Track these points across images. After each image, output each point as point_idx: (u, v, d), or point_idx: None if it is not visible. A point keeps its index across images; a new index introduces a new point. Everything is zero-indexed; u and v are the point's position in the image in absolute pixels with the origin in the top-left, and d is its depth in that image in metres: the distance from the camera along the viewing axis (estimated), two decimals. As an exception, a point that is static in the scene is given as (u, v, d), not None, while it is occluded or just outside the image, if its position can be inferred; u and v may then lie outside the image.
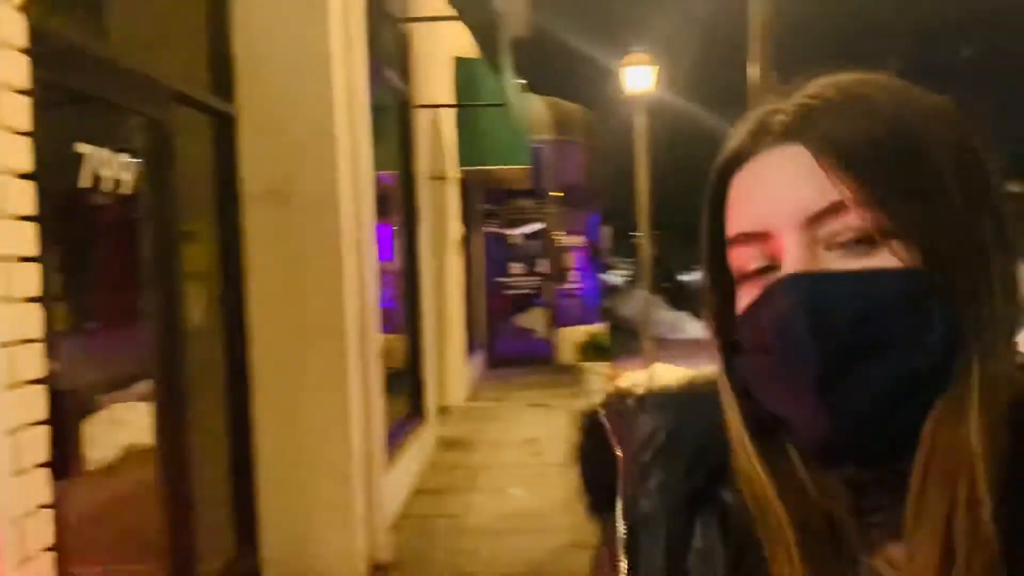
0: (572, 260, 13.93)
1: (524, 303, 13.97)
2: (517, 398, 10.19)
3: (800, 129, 0.58)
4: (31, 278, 1.69)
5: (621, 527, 0.67)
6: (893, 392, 0.55)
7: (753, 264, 0.60)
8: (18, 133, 1.65)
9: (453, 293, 9.60)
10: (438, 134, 8.78)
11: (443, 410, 8.66)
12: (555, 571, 4.48)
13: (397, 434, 5.78)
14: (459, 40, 9.04)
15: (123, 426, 3.11)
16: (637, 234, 12.26)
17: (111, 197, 2.98)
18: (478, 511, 5.59)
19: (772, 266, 0.59)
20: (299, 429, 4.15)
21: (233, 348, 4.07)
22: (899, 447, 0.56)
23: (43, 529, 1.62)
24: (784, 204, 0.58)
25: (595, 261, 15.13)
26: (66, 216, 2.47)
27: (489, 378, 11.90)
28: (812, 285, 0.55)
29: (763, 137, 0.60)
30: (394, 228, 6.56)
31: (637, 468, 0.68)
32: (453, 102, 9.05)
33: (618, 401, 0.74)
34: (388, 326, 6.39)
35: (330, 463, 4.19)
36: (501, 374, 12.15)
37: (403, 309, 6.78)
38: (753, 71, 4.55)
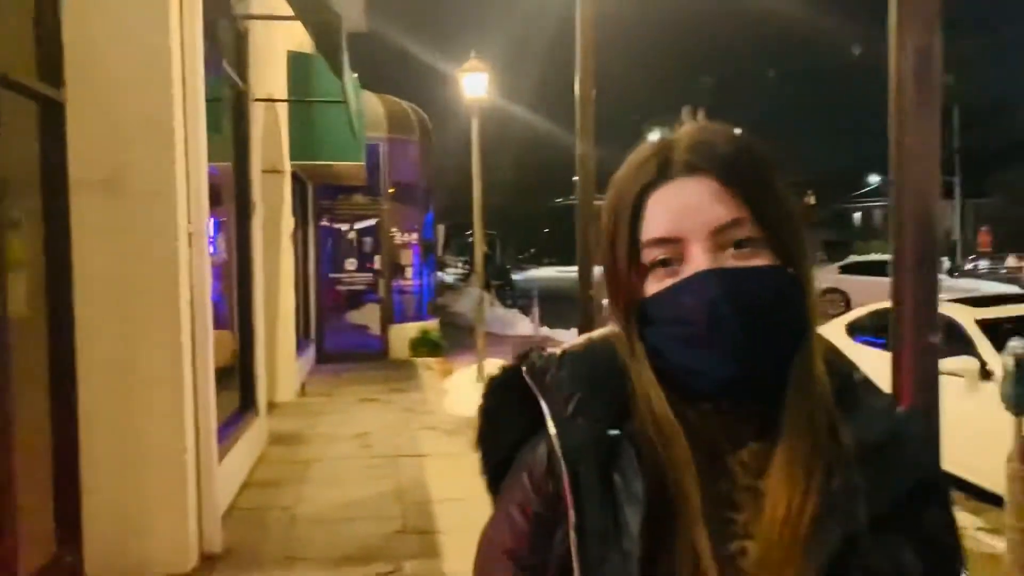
0: (406, 257, 14.08)
1: (357, 299, 13.97)
2: (348, 393, 10.24)
3: (706, 165, 0.83)
4: None
5: (563, 465, 0.82)
6: (775, 346, 0.82)
7: (663, 256, 0.83)
8: None
9: (285, 288, 9.53)
10: (275, 128, 8.71)
11: (274, 405, 8.60)
12: (387, 555, 4.67)
13: (228, 428, 5.76)
14: (296, 35, 9.00)
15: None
16: (470, 233, 12.58)
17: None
18: (310, 501, 5.68)
19: (675, 260, 0.83)
20: (130, 422, 4.11)
21: (58, 340, 3.98)
22: (772, 386, 0.83)
23: None
24: (698, 217, 0.82)
25: (429, 258, 15.36)
26: None
27: (320, 373, 11.85)
28: (726, 276, 0.80)
29: (671, 168, 0.84)
30: (225, 221, 6.50)
31: (566, 414, 0.84)
32: (288, 97, 9.00)
33: (537, 359, 0.90)
34: (220, 320, 6.33)
35: (162, 456, 4.19)
36: (332, 369, 12.13)
37: (234, 304, 6.72)
38: (580, 85, 4.91)
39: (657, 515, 0.79)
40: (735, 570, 0.80)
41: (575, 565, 0.80)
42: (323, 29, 4.87)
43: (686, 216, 0.82)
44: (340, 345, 13.52)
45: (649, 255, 0.84)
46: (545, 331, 17.15)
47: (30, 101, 3.87)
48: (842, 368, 0.88)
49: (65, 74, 4.00)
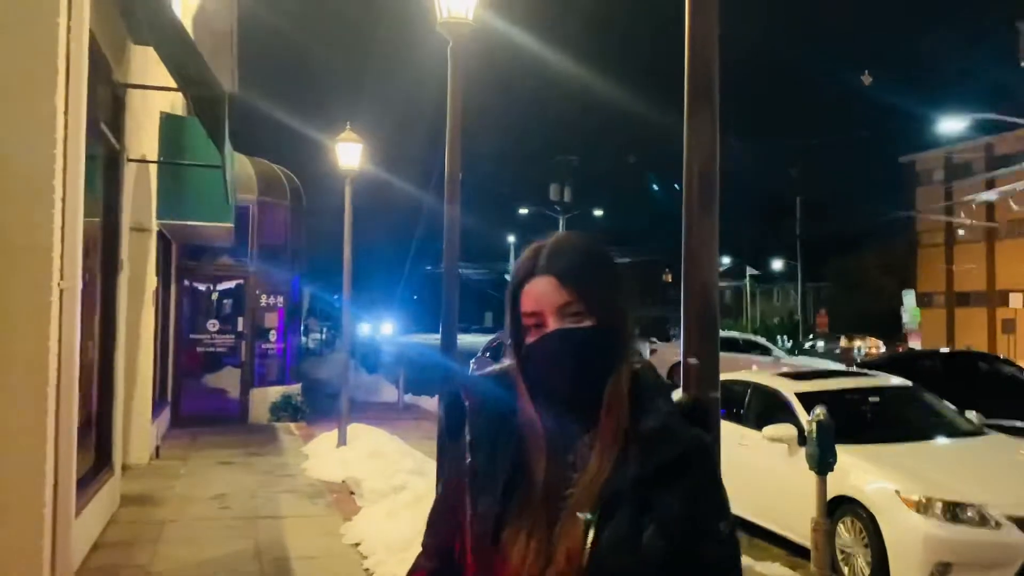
0: (271, 320, 14.01)
1: (217, 361, 13.74)
2: (206, 456, 10.08)
3: (551, 267, 1.36)
4: None
5: (468, 438, 1.41)
6: (593, 375, 1.34)
7: (534, 322, 1.36)
8: None
9: (144, 347, 9.39)
10: (145, 186, 8.72)
11: (127, 467, 8.39)
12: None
13: (82, 487, 5.69)
14: (169, 96, 9.12)
15: None
16: (337, 297, 12.71)
17: None
18: (165, 560, 5.66)
19: (540, 324, 1.35)
20: (-13, 475, 4.09)
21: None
22: (589, 404, 1.34)
23: None
24: (547, 300, 1.35)
25: (294, 322, 15.31)
26: None
27: (176, 436, 11.55)
28: (563, 333, 1.33)
29: (533, 271, 1.37)
30: (93, 278, 6.49)
31: (478, 410, 1.41)
32: (158, 157, 9.05)
33: (469, 379, 1.52)
34: (81, 377, 6.27)
35: (19, 510, 4.17)
36: (188, 432, 11.85)
37: (95, 361, 6.66)
38: (448, 163, 5.33)
39: (518, 473, 1.35)
40: (565, 506, 1.31)
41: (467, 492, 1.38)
42: (206, 103, 5.12)
43: (541, 299, 1.36)
44: (197, 408, 13.21)
45: (526, 320, 1.38)
46: (409, 398, 17.32)
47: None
48: (651, 383, 1.40)
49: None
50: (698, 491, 1.33)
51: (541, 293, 1.35)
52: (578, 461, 1.34)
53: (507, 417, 1.38)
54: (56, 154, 4.30)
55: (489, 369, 1.47)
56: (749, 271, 50.03)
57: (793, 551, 6.61)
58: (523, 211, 52.65)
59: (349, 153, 10.58)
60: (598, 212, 53.69)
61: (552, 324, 1.33)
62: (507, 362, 1.45)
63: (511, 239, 58.72)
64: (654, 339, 22.51)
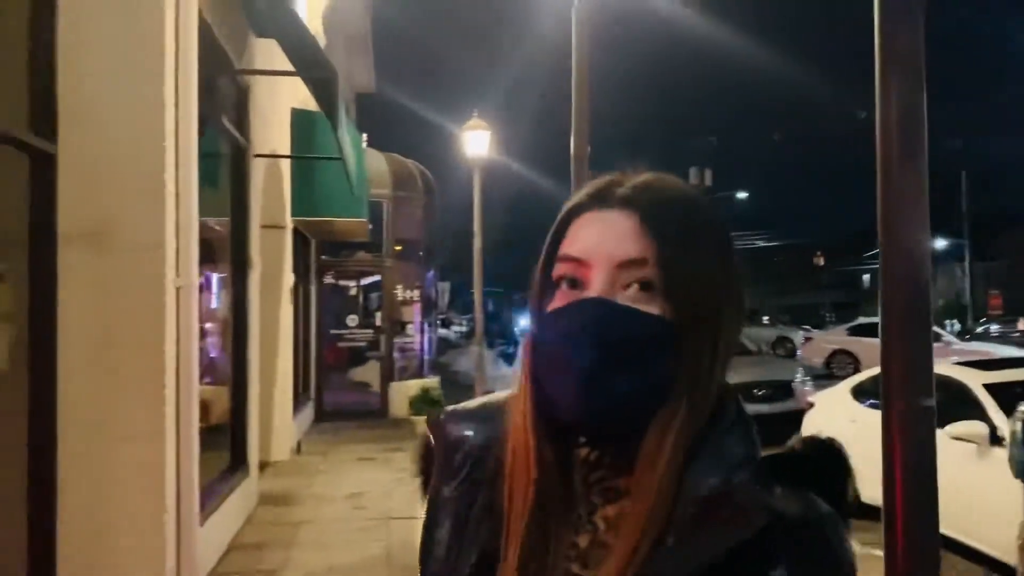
0: (408, 314, 14.01)
1: (358, 356, 13.87)
2: (345, 451, 10.07)
3: (635, 202, 0.82)
4: None
5: (422, 507, 0.91)
6: (627, 397, 0.78)
7: (569, 274, 0.83)
8: None
9: (283, 345, 9.45)
10: (277, 183, 8.73)
11: (267, 464, 8.44)
12: (372, 624, 4.50)
13: (215, 488, 5.62)
14: (300, 91, 9.09)
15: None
16: (473, 291, 12.55)
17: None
18: (296, 566, 5.51)
19: (578, 282, 0.82)
20: (109, 481, 3.99)
21: (39, 396, 3.89)
22: (625, 436, 0.80)
23: None
24: (607, 247, 0.81)
25: (431, 316, 15.29)
26: None
27: (319, 430, 11.69)
28: (604, 308, 0.79)
29: (604, 200, 0.84)
30: (223, 276, 6.46)
31: (445, 465, 0.91)
32: (290, 152, 9.05)
33: (436, 415, 0.96)
34: (211, 377, 6.24)
35: (141, 516, 4.05)
36: (330, 427, 11.97)
37: (229, 359, 6.63)
38: (575, 145, 4.91)
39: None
40: None
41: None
42: (321, 85, 4.90)
43: (599, 243, 0.82)
44: (339, 402, 13.37)
45: (558, 269, 0.84)
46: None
47: (22, 154, 3.85)
48: (732, 416, 0.84)
49: (58, 127, 3.99)
50: None
51: (601, 233, 0.82)
52: (590, 549, 0.82)
53: (490, 464, 0.88)
54: (167, 147, 4.14)
55: (474, 403, 0.97)
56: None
57: (971, 557, 5.84)
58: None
59: (476, 141, 10.28)
60: (742, 195, 51.51)
61: (597, 287, 0.80)
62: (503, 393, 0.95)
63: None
64: (807, 327, 21.21)
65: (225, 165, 6.38)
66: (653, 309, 0.79)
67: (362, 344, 13.90)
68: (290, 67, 5.99)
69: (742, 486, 0.76)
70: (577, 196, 0.88)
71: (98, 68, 4.04)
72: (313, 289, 12.98)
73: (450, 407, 0.96)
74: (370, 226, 11.54)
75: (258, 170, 7.19)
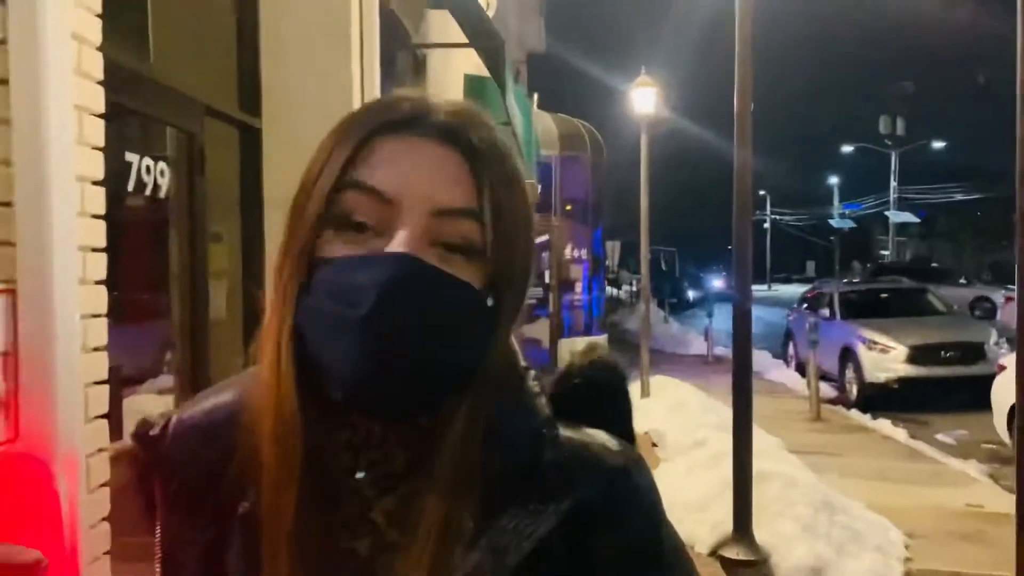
0: (576, 272, 14.28)
1: (530, 313, 14.31)
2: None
3: (458, 136, 0.69)
4: (100, 265, 2.07)
5: (158, 550, 0.75)
6: (425, 372, 0.66)
7: (361, 217, 0.67)
8: (94, 148, 2.05)
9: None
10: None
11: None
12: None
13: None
14: (472, 58, 9.44)
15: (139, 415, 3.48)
16: (642, 250, 12.61)
17: (150, 200, 3.38)
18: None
19: (376, 229, 0.66)
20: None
21: (248, 339, 4.45)
22: (412, 414, 0.69)
23: (102, 468, 2.00)
24: (423, 187, 0.66)
25: (600, 274, 15.48)
26: (117, 216, 2.85)
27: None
28: (414, 269, 0.64)
29: (416, 124, 0.69)
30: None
31: (170, 497, 0.74)
32: (464, 118, 9.44)
33: (144, 431, 0.77)
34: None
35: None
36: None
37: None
38: (737, 101, 4.88)
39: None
40: None
41: None
42: (491, 54, 5.16)
43: (412, 180, 0.66)
44: (511, 357, 13.89)
45: (346, 202, 0.68)
46: (720, 351, 16.77)
47: (232, 128, 4.39)
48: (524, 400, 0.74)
49: (262, 104, 4.50)
50: (631, 551, 0.71)
51: (416, 167, 0.67)
52: (375, 555, 0.69)
53: (236, 481, 0.70)
54: (353, 118, 4.56)
55: (195, 399, 0.79)
56: None
57: None
58: (846, 149, 48.50)
59: (644, 98, 10.28)
60: (938, 144, 47.58)
61: (403, 238, 0.65)
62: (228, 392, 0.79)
63: (832, 180, 54.61)
64: (1009, 286, 19.55)
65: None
66: (468, 275, 0.67)
67: (532, 301, 14.32)
68: (462, 37, 6.31)
69: (547, 461, 0.70)
70: (374, 111, 0.72)
71: (294, 50, 4.51)
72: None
73: (164, 417, 0.78)
74: (539, 187, 11.83)
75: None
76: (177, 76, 3.55)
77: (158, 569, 0.75)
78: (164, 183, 3.40)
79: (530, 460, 0.69)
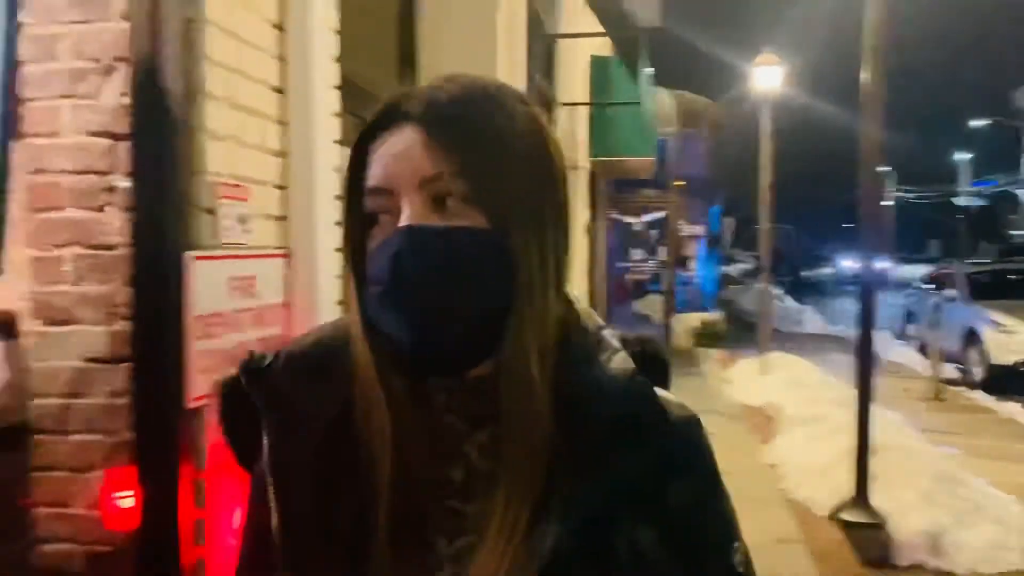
0: (692, 249, 14.41)
1: (642, 289, 14.57)
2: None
3: (417, 114, 0.76)
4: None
5: (268, 477, 0.79)
6: (461, 317, 0.74)
7: (378, 211, 0.77)
8: (335, 142, 2.54)
9: (577, 278, 10.34)
10: (573, 127, 9.54)
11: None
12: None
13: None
14: (596, 39, 9.75)
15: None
16: (758, 227, 12.62)
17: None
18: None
19: (391, 212, 0.76)
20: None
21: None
22: (475, 360, 0.76)
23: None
24: (406, 169, 0.75)
25: (715, 251, 15.54)
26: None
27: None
28: (413, 233, 0.73)
29: (392, 120, 0.77)
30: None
31: (278, 421, 0.80)
32: (588, 99, 9.78)
33: (252, 362, 0.84)
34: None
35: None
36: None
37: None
38: (865, 75, 4.97)
39: (363, 513, 0.76)
40: (460, 568, 0.75)
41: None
42: (626, 43, 5.47)
43: (395, 168, 0.76)
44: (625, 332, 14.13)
45: (369, 204, 0.78)
46: (838, 330, 16.52)
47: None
48: (588, 333, 0.82)
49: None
50: (696, 509, 0.81)
51: (396, 157, 0.76)
52: (469, 481, 0.78)
53: (336, 414, 0.79)
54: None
55: (302, 335, 0.88)
56: None
57: None
58: (976, 124, 45.95)
59: (767, 76, 10.34)
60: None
61: (407, 214, 0.75)
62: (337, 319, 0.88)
63: (961, 156, 51.90)
64: None
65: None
66: (465, 221, 0.74)
67: (646, 277, 14.57)
68: (592, 20, 6.64)
69: (628, 400, 0.77)
70: (368, 121, 0.81)
71: (449, 44, 4.98)
72: (600, 225, 13.81)
73: (272, 353, 0.84)
74: (656, 164, 12.03)
75: (563, 118, 8.01)
76: (363, 74, 4.04)
77: (262, 498, 0.80)
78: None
79: (613, 409, 0.76)
